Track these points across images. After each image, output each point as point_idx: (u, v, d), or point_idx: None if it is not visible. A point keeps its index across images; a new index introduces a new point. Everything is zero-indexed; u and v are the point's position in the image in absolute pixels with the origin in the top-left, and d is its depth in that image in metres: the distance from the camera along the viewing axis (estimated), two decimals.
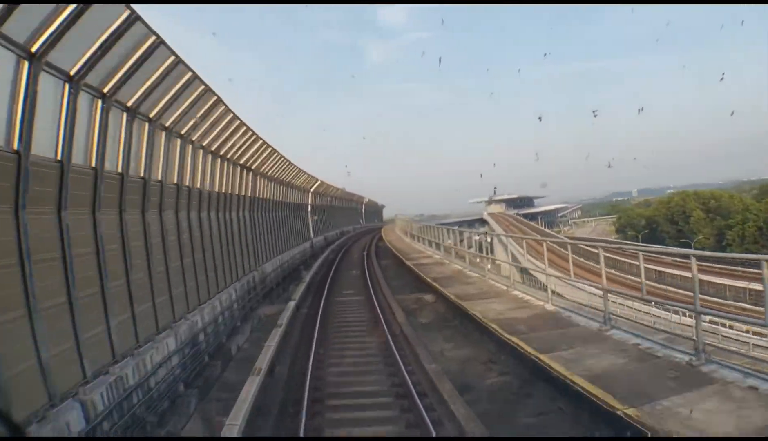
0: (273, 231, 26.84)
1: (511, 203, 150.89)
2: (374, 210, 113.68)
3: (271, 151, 23.32)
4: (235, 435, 6.53)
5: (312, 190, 45.05)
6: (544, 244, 12.85)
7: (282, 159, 26.35)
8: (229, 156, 18.13)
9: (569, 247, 12.76)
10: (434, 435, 6.85)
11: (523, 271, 20.08)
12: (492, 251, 31.69)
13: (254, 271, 20.75)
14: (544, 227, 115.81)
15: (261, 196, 24.71)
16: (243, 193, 21.06)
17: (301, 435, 7.30)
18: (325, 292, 19.29)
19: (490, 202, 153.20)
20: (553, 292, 12.06)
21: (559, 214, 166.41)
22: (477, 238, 21.00)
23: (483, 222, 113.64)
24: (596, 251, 10.83)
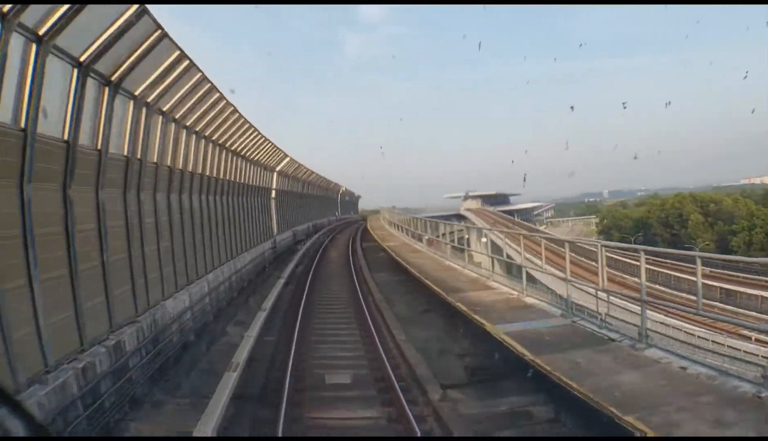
0: (203, 228, 15.20)
1: (488, 200, 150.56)
2: (350, 201, 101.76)
3: (207, 89, 11.82)
4: None
5: (278, 169, 33.29)
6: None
7: (225, 105, 14.74)
8: (84, 58, 6.81)
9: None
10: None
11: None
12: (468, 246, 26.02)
13: (130, 327, 9.17)
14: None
15: (181, 166, 13.12)
16: (140, 156, 9.68)
17: None
18: (288, 380, 7.99)
19: (466, 198, 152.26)
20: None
21: (535, 213, 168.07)
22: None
23: (460, 217, 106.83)
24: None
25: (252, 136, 20.81)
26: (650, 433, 4.59)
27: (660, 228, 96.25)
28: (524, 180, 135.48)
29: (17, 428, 1.33)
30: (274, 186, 33.11)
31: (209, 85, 12.35)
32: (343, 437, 6.83)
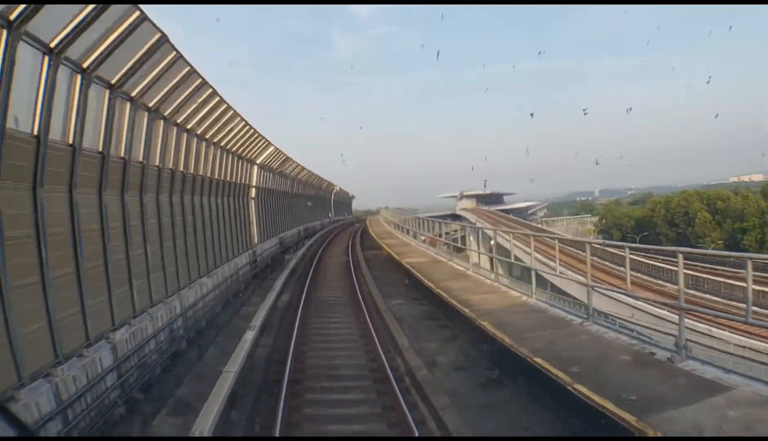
0: (108, 248, 8.60)
1: (482, 199, 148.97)
2: (344, 201, 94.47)
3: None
4: None
5: (260, 162, 26.72)
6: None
7: (160, 44, 8.36)
8: None
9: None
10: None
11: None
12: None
13: None
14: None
15: (73, 139, 6.63)
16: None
17: None
18: None
19: (461, 198, 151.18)
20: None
21: (529, 212, 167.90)
22: None
23: (455, 217, 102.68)
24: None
25: (214, 107, 14.22)
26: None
27: (665, 227, 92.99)
28: (485, 184, 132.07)
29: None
30: (254, 183, 26.49)
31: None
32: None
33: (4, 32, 6.04)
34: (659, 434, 4.43)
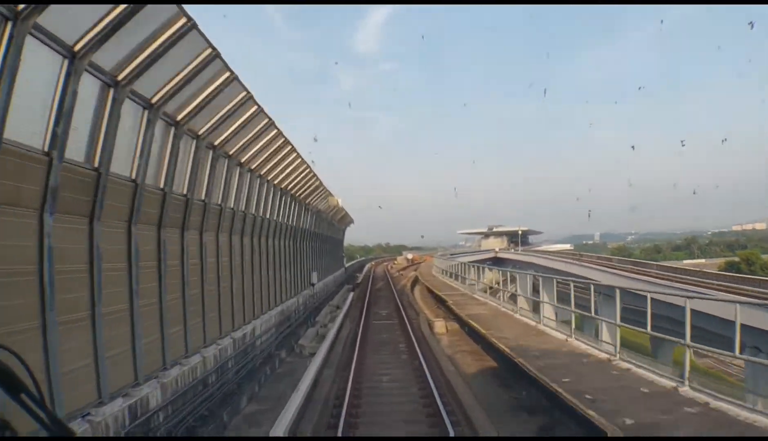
0: None
1: (513, 237, 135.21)
2: (332, 235, 42.05)
3: None
4: None
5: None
6: None
7: None
8: None
9: None
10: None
11: None
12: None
13: None
14: None
15: None
16: None
17: None
18: None
19: (488, 235, 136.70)
20: None
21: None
22: None
23: (496, 261, 75.05)
24: None
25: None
26: None
27: None
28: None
29: (36, 426, 1.21)
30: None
31: None
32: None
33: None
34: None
